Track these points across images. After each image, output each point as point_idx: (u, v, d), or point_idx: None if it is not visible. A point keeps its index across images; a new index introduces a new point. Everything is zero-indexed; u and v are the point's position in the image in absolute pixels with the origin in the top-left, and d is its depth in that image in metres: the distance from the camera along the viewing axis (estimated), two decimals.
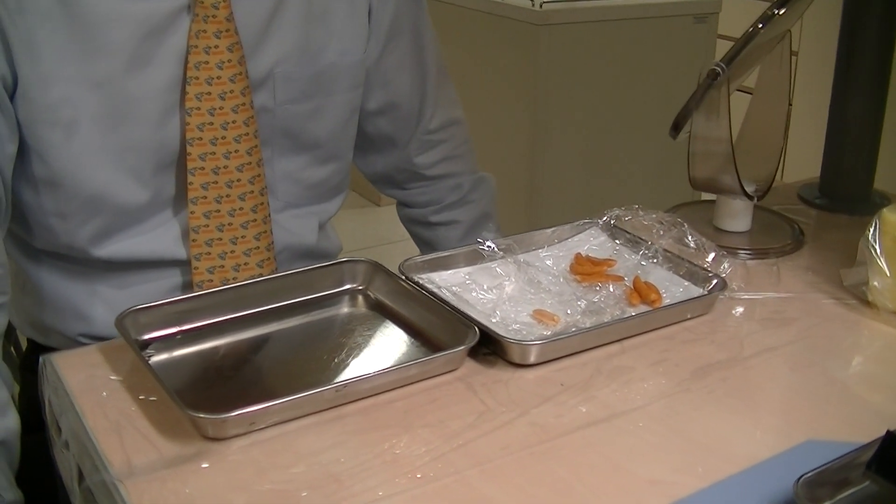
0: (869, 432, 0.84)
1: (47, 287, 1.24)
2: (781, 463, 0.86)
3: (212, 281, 1.22)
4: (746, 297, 1.16)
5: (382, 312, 1.10)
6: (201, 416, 0.86)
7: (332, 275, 1.14)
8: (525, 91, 2.48)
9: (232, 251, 1.22)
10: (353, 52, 1.28)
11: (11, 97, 1.10)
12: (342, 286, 1.14)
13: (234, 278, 1.22)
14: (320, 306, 1.11)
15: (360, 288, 1.14)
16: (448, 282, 1.14)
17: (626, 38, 2.55)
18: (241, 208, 1.20)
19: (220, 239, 1.21)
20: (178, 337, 1.04)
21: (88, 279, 1.23)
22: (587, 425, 0.90)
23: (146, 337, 1.03)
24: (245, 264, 1.22)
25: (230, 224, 1.20)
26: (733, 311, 1.13)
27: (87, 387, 0.95)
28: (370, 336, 1.06)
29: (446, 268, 1.17)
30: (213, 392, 0.96)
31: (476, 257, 1.18)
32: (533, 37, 2.42)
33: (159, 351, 1.01)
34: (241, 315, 1.08)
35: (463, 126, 1.51)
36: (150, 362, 0.98)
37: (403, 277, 1.12)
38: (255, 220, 1.22)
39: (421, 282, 1.11)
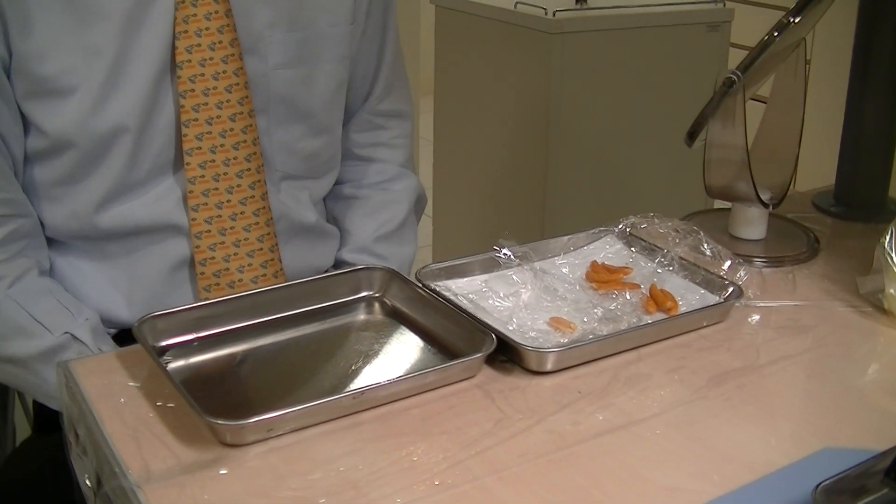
0: (886, 440, 0.84)
1: (55, 273, 1.28)
2: (799, 470, 0.86)
3: (209, 232, 1.24)
4: (762, 304, 1.16)
5: (399, 320, 1.10)
6: (220, 422, 0.86)
7: (349, 282, 1.14)
8: (539, 99, 2.48)
9: (228, 200, 1.25)
10: (341, 25, 1.32)
11: (8, 75, 1.15)
12: (359, 293, 1.14)
13: (231, 228, 1.25)
14: (337, 313, 1.12)
15: (377, 295, 1.14)
16: (464, 289, 1.14)
17: (639, 47, 2.55)
18: (235, 158, 1.24)
19: (217, 189, 1.24)
20: (196, 343, 1.04)
21: (91, 256, 1.27)
22: (604, 433, 0.90)
23: (163, 343, 1.03)
24: (241, 213, 1.26)
25: (225, 174, 1.23)
26: (749, 319, 1.13)
27: (105, 393, 0.96)
28: (387, 343, 1.06)
29: (462, 275, 1.17)
30: (231, 398, 0.97)
31: (492, 265, 1.18)
32: (546, 45, 2.42)
33: (176, 357, 1.02)
34: (257, 322, 1.08)
35: (407, 122, 1.53)
36: (167, 368, 0.98)
37: (420, 285, 1.12)
38: (249, 168, 1.25)
39: (437, 289, 1.12)
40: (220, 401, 0.95)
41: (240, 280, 1.27)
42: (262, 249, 1.27)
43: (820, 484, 0.77)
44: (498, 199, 2.72)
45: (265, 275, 1.28)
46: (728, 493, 0.82)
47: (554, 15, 2.40)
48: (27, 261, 1.22)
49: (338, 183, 1.50)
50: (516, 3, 2.50)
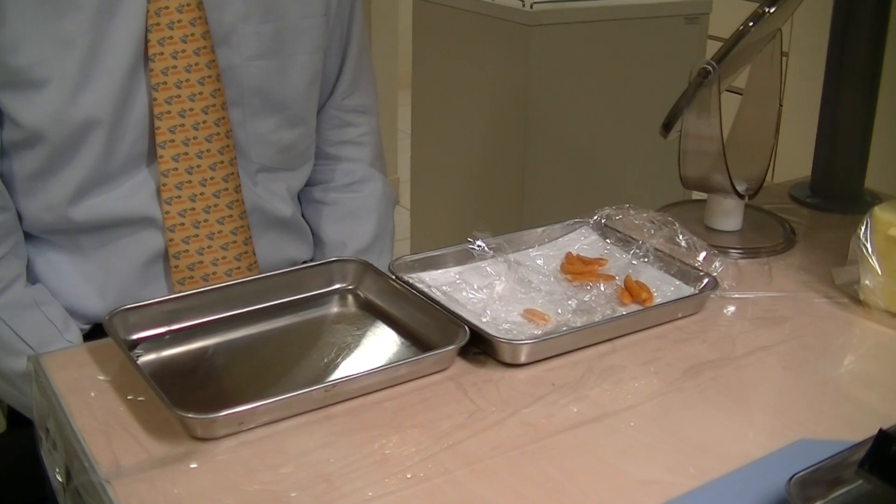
0: (861, 431, 0.84)
1: (30, 270, 1.26)
2: (774, 462, 0.85)
3: (183, 225, 1.24)
4: (738, 296, 1.16)
5: (372, 312, 1.09)
6: (190, 416, 0.85)
7: (322, 274, 1.13)
8: (516, 91, 2.48)
9: (202, 193, 1.24)
10: (314, 16, 1.32)
11: None
12: (332, 286, 1.13)
13: (205, 220, 1.24)
14: (310, 306, 1.11)
15: (350, 288, 1.13)
16: (438, 281, 1.13)
17: (617, 39, 2.55)
18: (208, 150, 1.24)
19: (190, 181, 1.23)
20: (167, 337, 1.03)
21: (64, 249, 1.25)
22: (578, 425, 0.90)
23: (135, 337, 1.02)
24: (215, 206, 1.25)
25: (199, 166, 1.23)
26: (725, 311, 1.13)
27: (75, 387, 0.95)
28: (360, 336, 1.05)
29: (436, 267, 1.16)
30: (202, 392, 0.96)
31: (466, 257, 1.17)
32: (524, 37, 2.41)
33: (148, 351, 1.01)
34: (230, 315, 1.07)
35: (374, 118, 1.52)
36: (138, 362, 0.98)
37: (393, 277, 1.11)
38: (223, 161, 1.25)
39: (411, 281, 1.11)
40: (192, 394, 0.94)
41: (214, 273, 1.26)
42: (236, 242, 1.26)
43: (794, 475, 0.76)
44: (476, 191, 2.72)
45: (239, 268, 1.27)
46: (703, 484, 0.82)
47: (531, 7, 2.39)
48: (18, 264, 1.22)
49: (310, 184, 1.50)
50: None
